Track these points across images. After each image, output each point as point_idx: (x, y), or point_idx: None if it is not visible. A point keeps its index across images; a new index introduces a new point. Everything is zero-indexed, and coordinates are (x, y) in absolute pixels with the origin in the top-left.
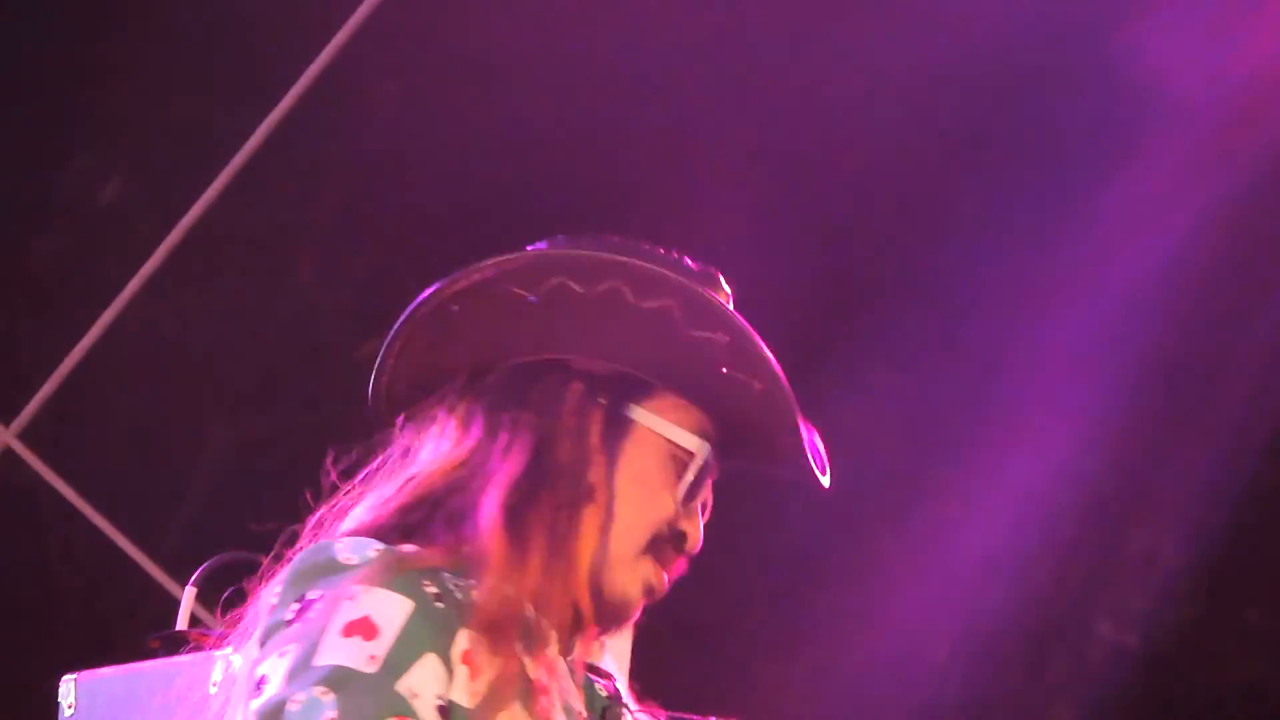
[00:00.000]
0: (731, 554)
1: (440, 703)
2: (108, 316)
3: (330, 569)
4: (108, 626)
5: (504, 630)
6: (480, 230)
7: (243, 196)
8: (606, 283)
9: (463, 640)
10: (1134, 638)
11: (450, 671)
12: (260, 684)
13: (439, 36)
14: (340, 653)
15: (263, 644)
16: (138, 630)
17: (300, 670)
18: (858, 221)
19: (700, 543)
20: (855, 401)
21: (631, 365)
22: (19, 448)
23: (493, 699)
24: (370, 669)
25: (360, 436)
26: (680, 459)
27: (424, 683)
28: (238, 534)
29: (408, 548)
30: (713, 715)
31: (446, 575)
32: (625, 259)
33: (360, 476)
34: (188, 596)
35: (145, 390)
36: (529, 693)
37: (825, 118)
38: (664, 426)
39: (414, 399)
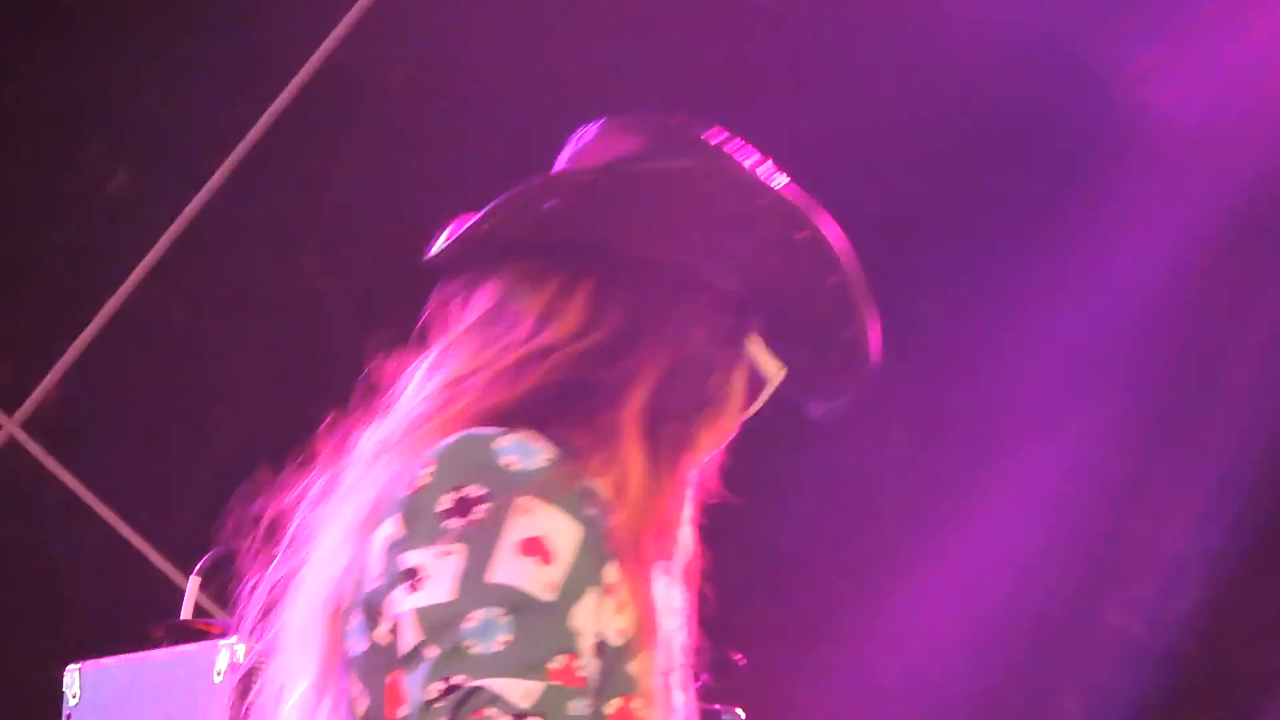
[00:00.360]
0: (737, 544)
1: (595, 640)
2: (111, 306)
3: (492, 468)
4: (112, 616)
5: (645, 565)
6: None
7: (248, 186)
8: (754, 202)
9: (611, 572)
10: (1141, 627)
11: (602, 604)
12: (416, 576)
13: (444, 24)
14: (516, 572)
15: (407, 523)
16: (142, 620)
17: (474, 581)
18: (866, 219)
19: None
20: (864, 394)
21: (748, 285)
22: (22, 437)
23: (633, 643)
24: (547, 597)
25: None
26: (754, 383)
27: (586, 619)
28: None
29: (548, 450)
30: (718, 704)
31: (595, 490)
32: (780, 190)
33: (432, 332)
34: (192, 586)
35: (150, 380)
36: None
37: (825, 116)
38: (761, 354)
39: (505, 258)
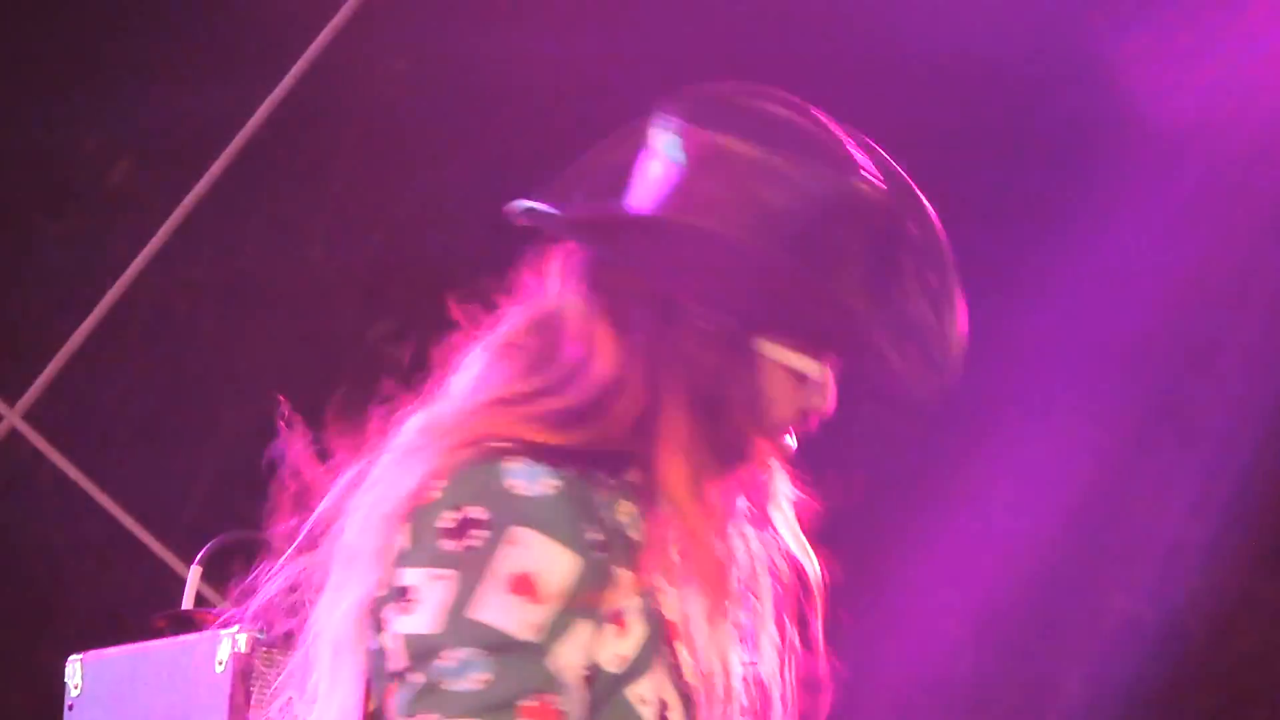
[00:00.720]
0: None
1: (586, 672)
2: (112, 296)
3: (496, 491)
4: (113, 607)
5: (678, 583)
6: (489, 209)
7: (249, 176)
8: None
9: (616, 597)
10: (1142, 608)
11: (600, 632)
12: (407, 597)
13: (445, 13)
14: (500, 612)
15: (413, 537)
16: (144, 610)
17: (457, 616)
18: None
19: None
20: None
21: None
22: (24, 428)
23: (636, 666)
24: (528, 638)
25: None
26: (803, 384)
27: (573, 652)
28: (244, 514)
29: (556, 475)
30: None
31: (616, 508)
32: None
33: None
34: (193, 576)
35: (151, 370)
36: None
37: (827, 106)
38: (787, 356)
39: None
